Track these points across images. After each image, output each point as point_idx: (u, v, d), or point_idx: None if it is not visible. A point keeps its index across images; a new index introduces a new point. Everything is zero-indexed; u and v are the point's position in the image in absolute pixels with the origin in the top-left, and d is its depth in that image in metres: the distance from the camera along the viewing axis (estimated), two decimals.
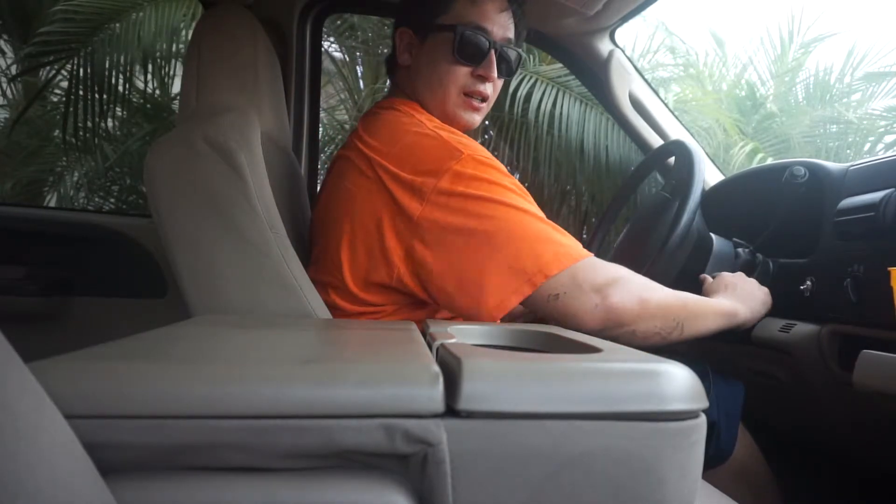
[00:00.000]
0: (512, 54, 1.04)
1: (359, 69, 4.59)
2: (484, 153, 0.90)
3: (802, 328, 1.02)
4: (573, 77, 2.89)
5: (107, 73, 3.64)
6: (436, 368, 0.43)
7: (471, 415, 0.42)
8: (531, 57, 3.58)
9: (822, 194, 1.07)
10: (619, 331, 0.86)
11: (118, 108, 4.07)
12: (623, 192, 1.46)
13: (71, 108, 3.60)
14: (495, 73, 1.02)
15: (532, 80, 3.59)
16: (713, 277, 1.07)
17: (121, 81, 3.75)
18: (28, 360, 0.33)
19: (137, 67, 3.87)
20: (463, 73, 1.00)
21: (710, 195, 1.42)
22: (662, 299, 0.90)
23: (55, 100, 4.33)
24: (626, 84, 1.52)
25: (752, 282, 1.06)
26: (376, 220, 0.90)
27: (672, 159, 1.39)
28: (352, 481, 0.41)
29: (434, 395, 0.41)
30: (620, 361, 0.46)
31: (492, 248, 0.84)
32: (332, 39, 4.38)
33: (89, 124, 3.71)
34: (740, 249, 1.14)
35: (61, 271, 1.50)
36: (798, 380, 1.06)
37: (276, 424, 0.39)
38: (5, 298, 1.44)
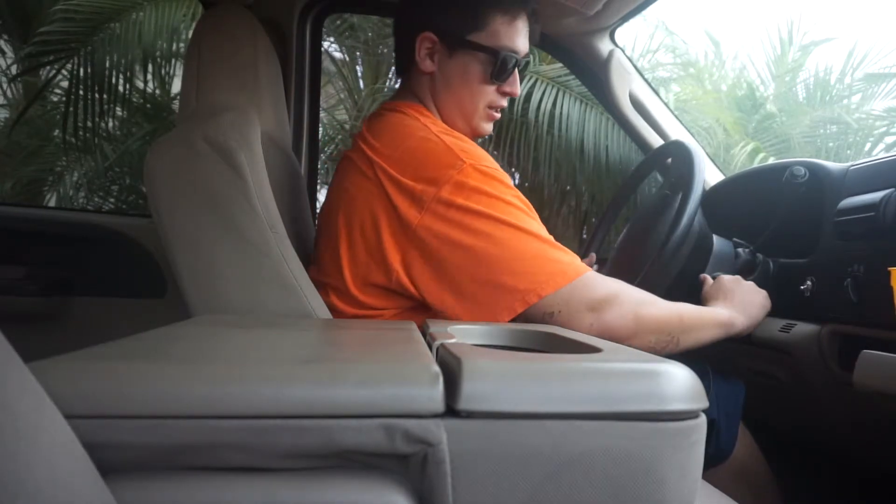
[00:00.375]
0: (524, 63, 1.07)
1: (359, 69, 4.59)
2: (486, 162, 0.90)
3: (802, 328, 1.02)
4: (573, 77, 2.90)
5: (107, 72, 3.64)
6: (436, 368, 0.43)
7: (471, 415, 0.42)
8: (531, 57, 3.58)
9: (823, 194, 1.07)
10: None
11: (118, 108, 4.07)
12: (623, 192, 1.46)
13: (71, 108, 3.61)
14: (519, 90, 1.06)
15: (532, 80, 3.60)
16: (713, 278, 1.07)
17: (121, 81, 3.75)
18: (28, 360, 0.33)
19: (137, 67, 3.87)
20: (492, 90, 1.04)
21: (710, 195, 1.41)
22: (658, 314, 0.90)
23: (55, 100, 4.34)
24: (626, 84, 1.52)
25: (751, 286, 1.06)
26: (375, 222, 0.90)
27: (672, 159, 1.39)
28: (352, 481, 0.41)
29: (434, 395, 0.41)
30: (620, 361, 0.46)
31: (487, 266, 0.85)
32: (332, 39, 4.38)
33: (89, 124, 3.71)
34: (740, 249, 1.14)
35: (61, 271, 1.50)
36: (798, 380, 1.06)
37: (276, 424, 0.39)
38: (5, 298, 1.44)
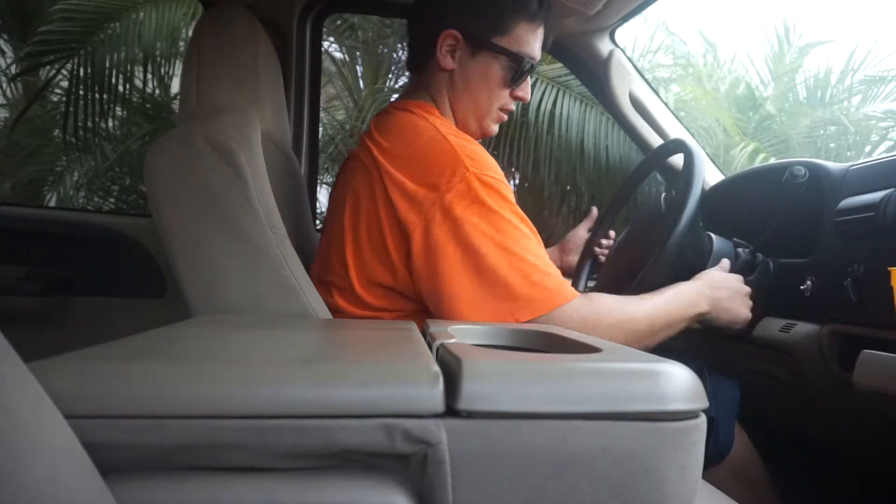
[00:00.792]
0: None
1: (359, 69, 4.59)
2: (490, 172, 0.91)
3: (802, 328, 1.02)
4: (573, 77, 2.90)
5: (107, 72, 3.64)
6: (436, 368, 0.43)
7: (471, 415, 0.42)
8: None
9: (823, 194, 1.07)
10: None
11: (118, 108, 4.07)
12: (623, 191, 1.46)
13: (71, 108, 3.61)
14: (529, 96, 1.10)
15: (532, 80, 3.59)
16: None
17: (121, 81, 3.75)
18: (28, 360, 0.33)
19: (138, 68, 3.87)
20: (506, 93, 1.07)
21: (710, 195, 1.41)
22: (634, 330, 0.91)
23: (55, 99, 4.34)
24: (626, 84, 1.52)
25: (736, 278, 1.05)
26: (378, 221, 0.91)
27: (672, 158, 1.39)
28: (352, 481, 0.41)
29: (434, 395, 0.41)
30: (620, 361, 0.46)
31: (470, 283, 0.86)
32: (332, 39, 4.38)
33: (89, 124, 3.71)
34: (740, 249, 1.14)
35: (61, 271, 1.50)
36: (798, 380, 1.06)
37: (276, 424, 0.39)
38: (5, 298, 1.44)
